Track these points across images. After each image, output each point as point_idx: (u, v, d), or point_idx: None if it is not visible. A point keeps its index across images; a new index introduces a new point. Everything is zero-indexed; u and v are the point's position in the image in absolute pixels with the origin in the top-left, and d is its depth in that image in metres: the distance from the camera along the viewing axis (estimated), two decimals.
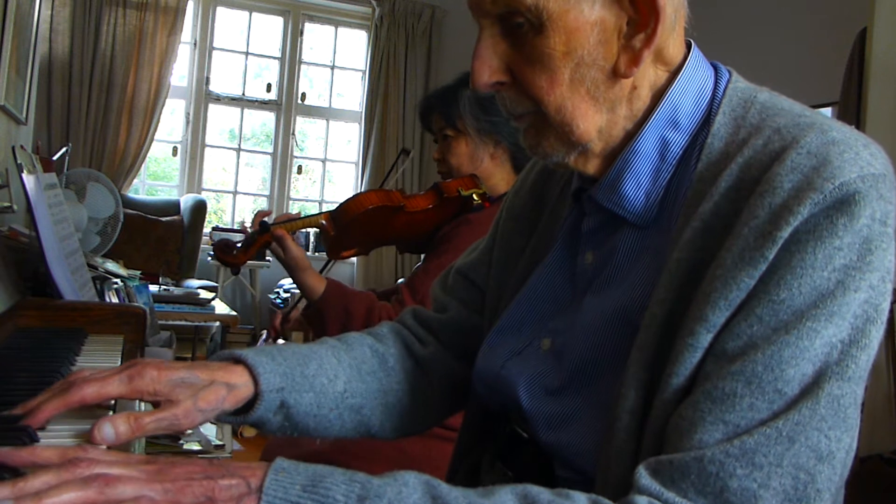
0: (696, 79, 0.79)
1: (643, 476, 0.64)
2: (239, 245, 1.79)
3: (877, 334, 0.66)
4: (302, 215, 1.79)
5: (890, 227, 0.67)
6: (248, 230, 1.86)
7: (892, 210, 0.67)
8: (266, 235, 1.73)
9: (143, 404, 0.84)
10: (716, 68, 0.82)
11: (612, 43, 0.74)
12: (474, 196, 1.72)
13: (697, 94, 0.79)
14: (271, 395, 0.83)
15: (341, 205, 1.75)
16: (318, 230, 1.75)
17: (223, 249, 1.81)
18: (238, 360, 0.84)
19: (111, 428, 0.69)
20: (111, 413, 0.84)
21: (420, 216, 1.75)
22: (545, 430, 0.80)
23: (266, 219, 1.77)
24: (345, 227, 1.73)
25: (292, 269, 1.73)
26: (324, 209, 6.07)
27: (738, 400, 0.63)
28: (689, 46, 0.81)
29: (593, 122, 0.77)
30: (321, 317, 1.71)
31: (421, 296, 1.69)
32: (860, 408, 0.66)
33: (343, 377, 0.91)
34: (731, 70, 0.82)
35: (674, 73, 0.79)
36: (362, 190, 2.01)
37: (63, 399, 0.73)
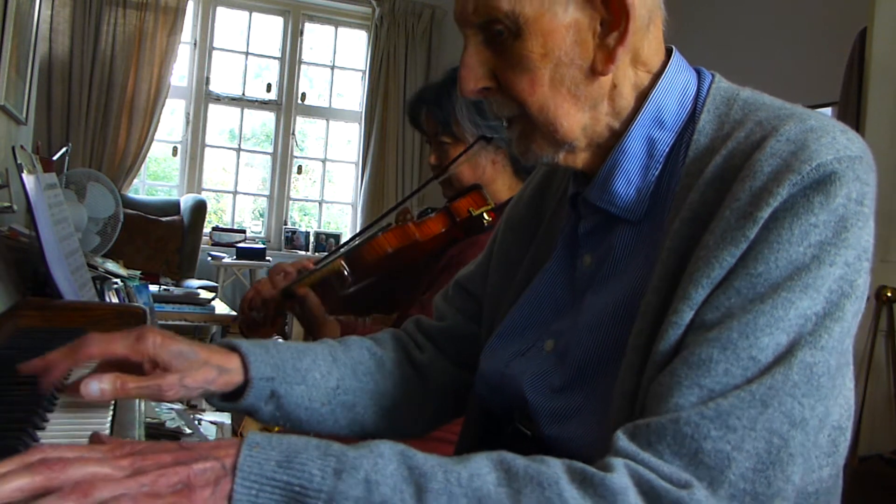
0: (679, 80, 0.82)
1: (620, 439, 0.65)
2: (263, 317, 1.69)
3: (851, 308, 0.68)
4: (316, 267, 1.69)
5: (866, 207, 0.69)
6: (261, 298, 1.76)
7: (868, 191, 0.69)
8: (291, 302, 1.64)
9: (142, 403, 0.84)
10: (699, 72, 0.85)
11: (587, 43, 0.78)
12: (485, 216, 1.62)
13: (681, 95, 0.82)
14: (261, 382, 0.87)
15: (358, 250, 1.64)
16: (332, 275, 1.67)
17: (250, 328, 1.72)
18: (234, 349, 0.88)
19: (97, 385, 0.74)
20: (111, 412, 0.85)
21: (431, 243, 1.65)
22: (549, 424, 0.82)
23: (282, 277, 1.67)
24: (363, 272, 1.67)
25: (312, 325, 1.62)
26: (324, 209, 6.10)
27: (714, 365, 0.65)
28: (670, 52, 0.84)
29: (576, 120, 0.80)
30: None
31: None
32: (835, 378, 0.67)
33: (336, 374, 0.94)
34: (714, 73, 0.85)
35: (656, 76, 0.82)
36: (371, 223, 1.85)
37: (72, 356, 0.78)
